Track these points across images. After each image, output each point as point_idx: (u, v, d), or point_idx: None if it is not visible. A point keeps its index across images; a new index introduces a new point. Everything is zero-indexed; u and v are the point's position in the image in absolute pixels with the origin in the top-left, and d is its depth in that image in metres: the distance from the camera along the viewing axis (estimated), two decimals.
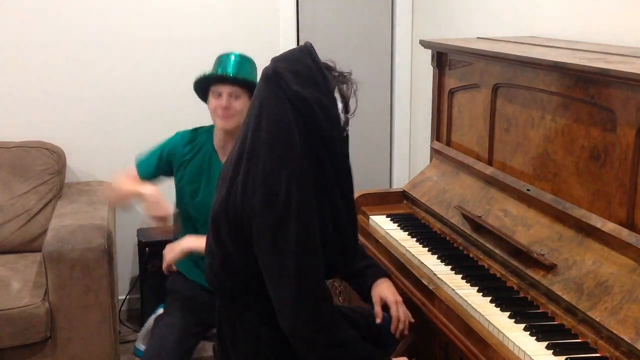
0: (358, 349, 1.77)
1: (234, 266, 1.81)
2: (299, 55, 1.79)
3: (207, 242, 1.92)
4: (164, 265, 2.42)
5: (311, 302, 1.69)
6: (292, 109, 1.71)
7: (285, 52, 1.84)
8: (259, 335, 1.84)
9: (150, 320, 3.28)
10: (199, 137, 2.60)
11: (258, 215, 1.68)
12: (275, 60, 1.80)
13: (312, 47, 1.82)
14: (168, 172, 2.61)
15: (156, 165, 2.59)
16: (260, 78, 1.80)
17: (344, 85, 1.84)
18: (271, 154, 1.69)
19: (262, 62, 1.85)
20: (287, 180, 1.67)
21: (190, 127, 2.64)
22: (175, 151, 2.57)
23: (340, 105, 1.81)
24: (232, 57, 2.58)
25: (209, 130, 2.63)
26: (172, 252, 2.40)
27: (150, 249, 3.37)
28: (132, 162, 2.71)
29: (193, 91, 2.65)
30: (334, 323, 1.74)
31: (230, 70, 2.54)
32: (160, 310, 3.19)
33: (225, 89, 2.49)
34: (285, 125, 1.70)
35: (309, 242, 1.68)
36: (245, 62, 2.60)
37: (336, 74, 1.83)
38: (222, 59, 2.58)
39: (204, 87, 2.55)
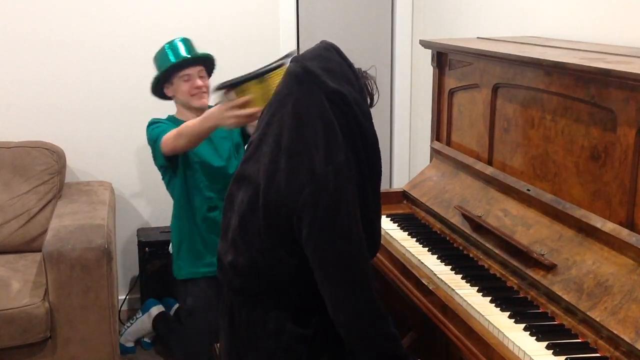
0: (400, 346, 1.81)
1: (263, 265, 1.81)
2: (327, 54, 1.81)
3: (225, 239, 1.91)
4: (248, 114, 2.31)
5: (370, 293, 1.73)
6: (332, 106, 1.73)
7: (309, 51, 1.85)
8: (282, 333, 1.83)
9: (144, 318, 3.30)
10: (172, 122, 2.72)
11: (309, 211, 1.69)
12: (301, 59, 1.80)
13: (335, 45, 1.84)
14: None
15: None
16: (289, 77, 1.80)
17: (368, 81, 1.88)
18: (317, 151, 1.70)
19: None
20: (335, 175, 1.69)
21: None
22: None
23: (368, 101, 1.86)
24: (180, 42, 2.72)
25: (174, 120, 2.75)
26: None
27: (150, 249, 3.38)
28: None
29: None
30: (386, 314, 1.78)
31: (193, 53, 2.70)
32: (155, 309, 3.25)
33: (194, 70, 2.67)
34: (328, 122, 1.72)
35: (359, 234, 1.72)
36: (191, 42, 2.75)
37: (357, 69, 1.87)
38: (172, 46, 2.71)
39: (164, 78, 2.68)
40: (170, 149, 2.57)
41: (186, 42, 2.73)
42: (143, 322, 3.33)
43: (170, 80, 2.67)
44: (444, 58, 2.67)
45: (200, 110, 2.68)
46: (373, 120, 1.82)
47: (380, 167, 1.85)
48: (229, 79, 2.34)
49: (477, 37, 2.81)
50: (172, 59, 2.66)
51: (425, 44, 2.72)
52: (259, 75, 2.28)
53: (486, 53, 2.31)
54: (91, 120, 3.52)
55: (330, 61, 1.78)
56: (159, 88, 2.73)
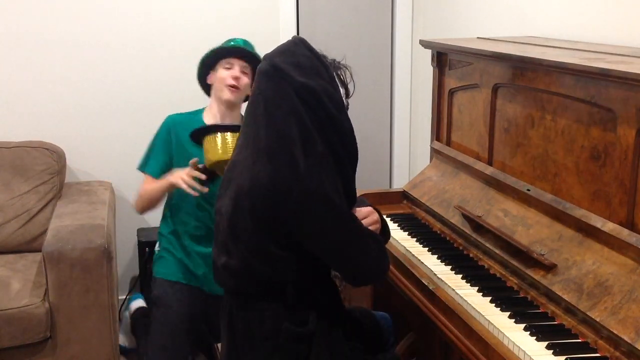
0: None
1: (255, 264, 1.81)
2: (295, 48, 1.82)
3: (216, 243, 1.92)
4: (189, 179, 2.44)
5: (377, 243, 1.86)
6: (300, 101, 1.74)
7: (278, 48, 1.87)
8: (279, 332, 1.84)
9: (127, 314, 3.26)
10: (190, 118, 2.70)
11: (305, 210, 1.73)
12: (270, 57, 1.82)
13: (304, 39, 1.86)
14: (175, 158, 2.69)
15: (168, 160, 2.67)
16: (258, 75, 1.82)
17: (340, 71, 1.89)
18: (294, 146, 1.72)
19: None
20: (318, 167, 1.72)
21: None
22: (176, 133, 2.66)
23: (342, 91, 1.87)
24: (241, 39, 2.72)
25: (197, 113, 2.73)
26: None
27: (150, 249, 3.37)
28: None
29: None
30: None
31: (246, 46, 2.68)
32: (136, 303, 3.19)
33: (237, 62, 2.63)
34: (299, 117, 1.73)
35: (348, 212, 1.80)
36: (251, 45, 2.73)
37: (330, 61, 1.88)
38: (231, 40, 2.71)
39: (210, 62, 2.66)
40: (140, 210, 2.72)
41: (247, 42, 2.72)
42: (125, 319, 3.27)
43: (215, 66, 2.65)
44: (444, 58, 2.67)
45: (227, 104, 2.65)
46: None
47: (357, 155, 1.88)
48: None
49: (477, 37, 2.81)
50: (224, 44, 2.68)
51: (425, 44, 2.72)
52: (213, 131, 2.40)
53: (486, 53, 2.31)
54: (91, 120, 3.52)
55: (297, 55, 1.80)
56: (204, 74, 2.70)
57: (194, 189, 2.42)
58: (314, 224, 1.74)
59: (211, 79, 2.68)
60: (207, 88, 2.74)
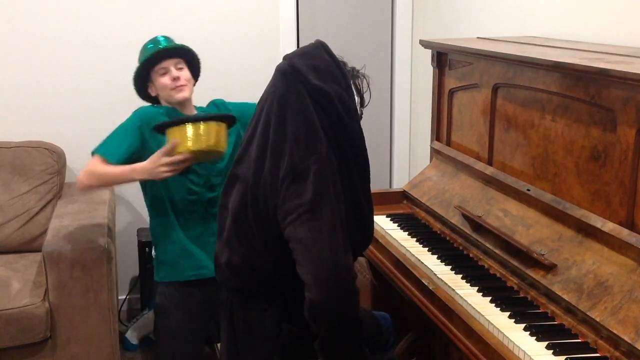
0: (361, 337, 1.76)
1: (258, 263, 1.82)
2: (315, 51, 1.84)
3: (220, 239, 1.92)
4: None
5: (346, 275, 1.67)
6: (313, 103, 1.75)
7: (299, 49, 1.89)
8: (279, 332, 1.84)
9: (149, 315, 3.29)
10: (164, 109, 2.60)
11: (290, 201, 1.70)
12: (290, 57, 1.83)
13: (325, 43, 1.87)
14: (138, 151, 2.51)
15: (134, 150, 2.49)
16: (276, 74, 1.83)
17: (358, 80, 1.90)
18: (297, 145, 1.73)
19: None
20: (315, 166, 1.71)
21: None
22: (150, 123, 2.50)
23: (357, 99, 1.88)
24: (160, 37, 2.62)
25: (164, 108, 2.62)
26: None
27: (150, 249, 3.37)
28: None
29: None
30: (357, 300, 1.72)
31: (167, 44, 2.59)
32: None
33: (169, 63, 2.54)
34: (309, 117, 1.74)
35: (339, 222, 1.70)
36: (170, 38, 2.64)
37: (349, 68, 1.89)
38: (152, 42, 2.60)
39: (143, 78, 2.57)
40: (83, 187, 2.53)
41: (165, 38, 2.62)
42: (148, 319, 3.31)
43: (151, 77, 2.57)
44: (444, 58, 2.67)
45: (182, 103, 2.57)
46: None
47: (368, 163, 1.87)
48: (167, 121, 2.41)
49: (477, 37, 2.81)
50: (146, 53, 2.56)
51: (425, 44, 2.72)
52: (182, 122, 2.33)
53: (486, 53, 2.31)
54: (91, 120, 3.52)
55: (317, 58, 1.81)
56: (144, 90, 2.61)
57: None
58: (294, 221, 1.70)
59: (153, 91, 2.60)
60: (154, 99, 2.63)
